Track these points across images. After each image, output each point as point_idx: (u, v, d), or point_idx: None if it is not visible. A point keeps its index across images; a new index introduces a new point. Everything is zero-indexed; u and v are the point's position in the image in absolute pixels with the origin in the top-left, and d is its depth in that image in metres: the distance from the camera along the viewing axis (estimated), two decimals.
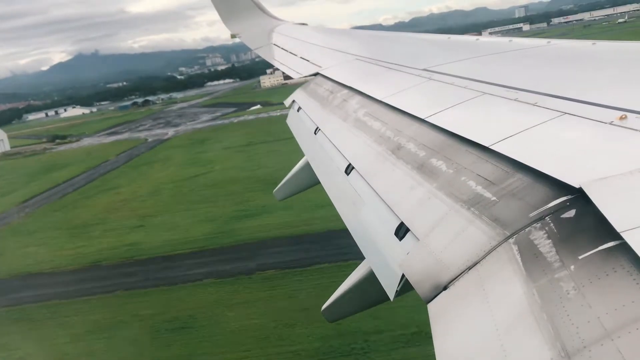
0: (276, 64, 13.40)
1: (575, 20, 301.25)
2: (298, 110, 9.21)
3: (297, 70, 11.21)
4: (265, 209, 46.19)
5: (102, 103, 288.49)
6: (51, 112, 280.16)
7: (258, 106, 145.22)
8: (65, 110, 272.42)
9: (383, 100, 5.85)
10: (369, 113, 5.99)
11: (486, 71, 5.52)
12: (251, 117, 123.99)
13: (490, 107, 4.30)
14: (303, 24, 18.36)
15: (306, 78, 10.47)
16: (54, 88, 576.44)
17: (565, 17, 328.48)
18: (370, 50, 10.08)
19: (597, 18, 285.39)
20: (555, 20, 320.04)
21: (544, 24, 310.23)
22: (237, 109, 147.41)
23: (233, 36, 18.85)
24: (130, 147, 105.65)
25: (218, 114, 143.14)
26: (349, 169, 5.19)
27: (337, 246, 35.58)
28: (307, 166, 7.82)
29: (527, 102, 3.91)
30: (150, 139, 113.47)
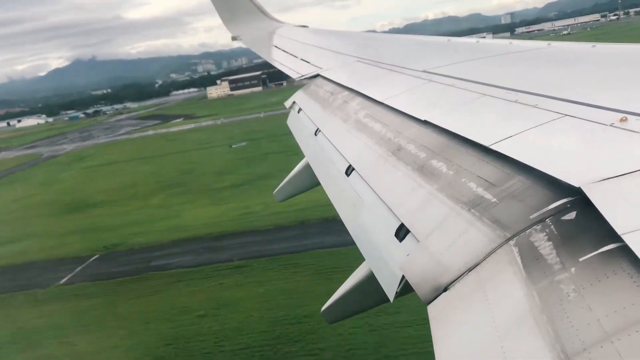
0: (277, 65, 13.41)
1: (537, 30, 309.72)
2: (299, 112, 9.21)
3: (297, 71, 11.22)
4: (8, 239, 47.35)
5: (68, 112, 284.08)
6: (14, 121, 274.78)
7: (181, 119, 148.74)
8: (28, 119, 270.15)
9: (383, 101, 5.85)
10: (369, 114, 5.99)
11: (486, 73, 5.52)
12: (151, 132, 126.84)
13: (490, 109, 4.30)
14: (304, 26, 18.39)
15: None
16: (47, 94, 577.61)
17: (527, 27, 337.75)
18: (370, 52, 10.09)
19: (556, 28, 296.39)
20: (519, 30, 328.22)
21: (508, 33, 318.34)
22: (160, 121, 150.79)
23: (234, 38, 18.86)
24: (19, 163, 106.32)
25: (137, 127, 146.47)
26: (349, 170, 5.18)
27: None
28: (308, 167, 7.82)
29: (528, 104, 3.90)
30: (45, 155, 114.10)
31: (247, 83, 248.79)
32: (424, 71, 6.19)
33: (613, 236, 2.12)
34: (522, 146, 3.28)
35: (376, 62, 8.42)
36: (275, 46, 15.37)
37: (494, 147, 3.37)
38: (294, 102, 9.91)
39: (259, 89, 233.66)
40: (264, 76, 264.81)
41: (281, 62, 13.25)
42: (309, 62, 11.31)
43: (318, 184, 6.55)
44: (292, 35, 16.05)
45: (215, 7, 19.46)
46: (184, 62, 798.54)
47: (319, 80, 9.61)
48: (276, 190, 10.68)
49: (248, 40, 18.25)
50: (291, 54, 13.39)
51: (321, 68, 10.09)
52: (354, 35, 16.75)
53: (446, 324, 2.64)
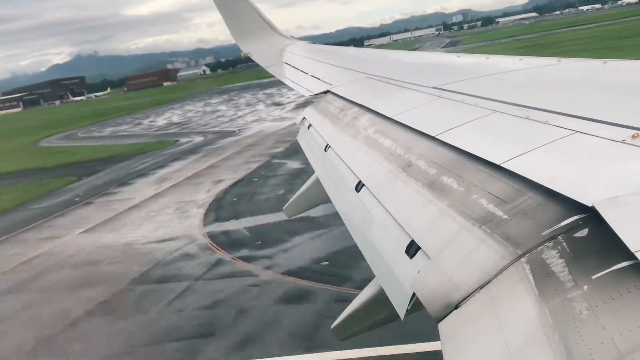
0: (287, 82, 13.54)
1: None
2: (309, 128, 9.26)
3: (307, 88, 11.30)
4: None
5: None
6: None
7: None
8: None
9: (393, 117, 5.86)
10: (379, 130, 6.01)
11: (496, 89, 5.52)
12: None
13: (501, 126, 4.30)
14: (313, 43, 18.64)
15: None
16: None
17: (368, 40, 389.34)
18: (380, 69, 10.15)
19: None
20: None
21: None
22: None
23: (246, 55, 19.21)
24: None
25: None
26: (359, 186, 5.18)
27: None
28: (317, 183, 7.84)
29: (538, 121, 3.89)
30: None
31: (7, 104, 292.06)
32: (435, 87, 6.21)
33: (626, 254, 2.10)
34: (534, 164, 3.27)
35: (386, 79, 8.46)
36: (286, 63, 15.53)
37: (504, 166, 3.36)
38: (303, 118, 9.97)
39: (19, 110, 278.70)
40: (30, 96, 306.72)
41: (292, 79, 13.36)
42: (319, 79, 11.40)
43: (328, 199, 6.55)
44: (302, 52, 16.22)
45: (226, 24, 19.75)
46: (164, 59, 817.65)
47: (329, 96, 9.67)
48: (286, 205, 10.73)
49: (259, 57, 18.48)
50: (301, 71, 13.52)
51: (331, 84, 10.16)
52: (364, 52, 16.89)
53: (457, 342, 2.61)
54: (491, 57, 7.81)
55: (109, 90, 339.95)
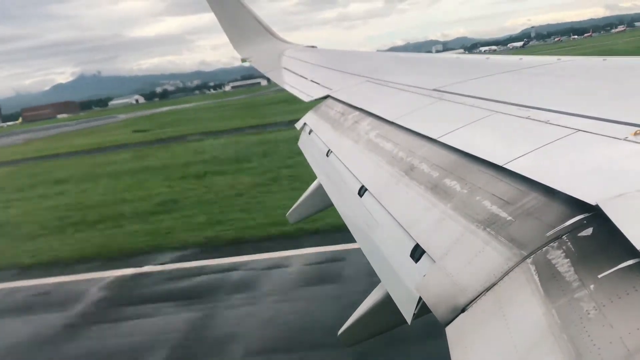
0: (287, 88, 13.53)
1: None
2: (309, 133, 9.26)
3: (307, 93, 11.30)
4: None
5: None
6: None
7: None
8: None
9: (394, 121, 5.87)
10: (380, 134, 6.01)
11: (497, 90, 5.52)
12: None
13: (502, 126, 4.30)
14: (312, 46, 18.59)
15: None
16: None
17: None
18: (380, 72, 10.15)
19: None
20: None
21: None
22: None
23: (244, 60, 19.19)
24: None
25: None
26: (362, 190, 5.18)
27: None
28: (320, 188, 7.84)
29: (539, 120, 3.89)
30: None
31: None
32: (434, 89, 6.21)
33: (631, 251, 2.10)
34: (536, 164, 3.26)
35: (385, 82, 8.47)
36: (285, 68, 15.53)
37: (507, 167, 3.36)
38: (304, 124, 9.96)
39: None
40: None
41: (291, 84, 13.36)
42: (318, 84, 11.41)
43: (331, 205, 6.54)
44: (301, 57, 16.21)
45: (223, 29, 19.79)
46: (158, 81, 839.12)
47: (329, 101, 9.68)
48: (289, 212, 10.74)
49: (257, 62, 18.49)
50: (301, 76, 13.52)
51: (331, 89, 10.17)
52: (363, 55, 16.88)
53: (465, 345, 2.61)
54: (491, 57, 7.81)
55: (20, 120, 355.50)
